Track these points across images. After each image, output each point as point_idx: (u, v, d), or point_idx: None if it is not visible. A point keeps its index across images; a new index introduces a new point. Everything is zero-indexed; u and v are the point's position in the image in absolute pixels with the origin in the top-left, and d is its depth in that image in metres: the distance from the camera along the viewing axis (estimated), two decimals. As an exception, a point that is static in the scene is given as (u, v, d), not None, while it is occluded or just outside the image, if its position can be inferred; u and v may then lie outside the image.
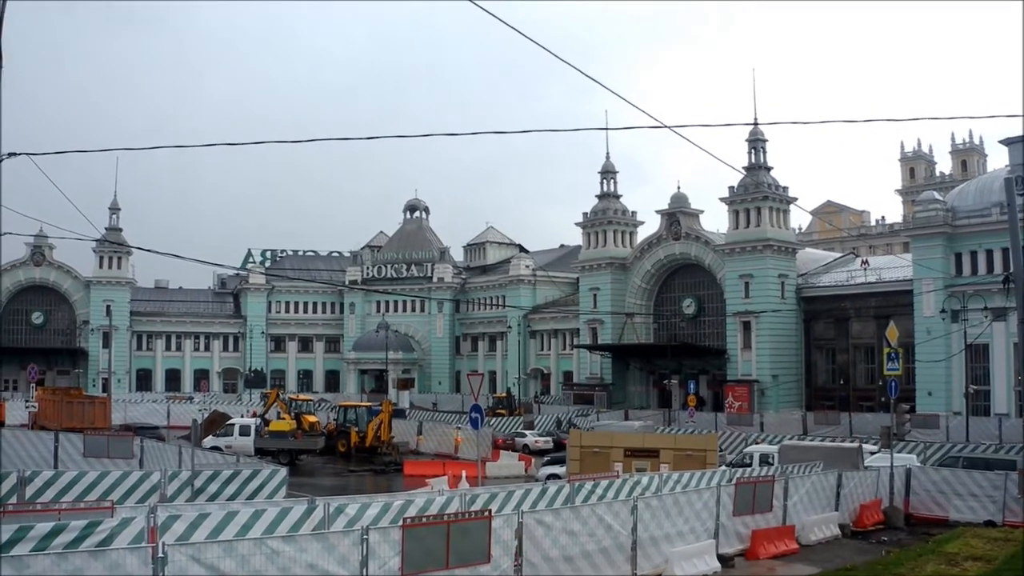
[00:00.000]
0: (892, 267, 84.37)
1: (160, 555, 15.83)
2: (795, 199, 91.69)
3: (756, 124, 78.95)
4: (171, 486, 30.63)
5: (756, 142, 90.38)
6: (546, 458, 53.60)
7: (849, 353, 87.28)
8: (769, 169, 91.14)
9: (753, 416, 76.85)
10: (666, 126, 23.39)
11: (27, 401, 72.87)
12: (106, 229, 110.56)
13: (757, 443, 53.33)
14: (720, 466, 38.56)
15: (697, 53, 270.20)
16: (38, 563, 15.36)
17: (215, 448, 52.57)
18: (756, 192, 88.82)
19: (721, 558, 26.90)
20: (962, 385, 68.44)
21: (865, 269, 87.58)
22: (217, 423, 64.67)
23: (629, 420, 71.38)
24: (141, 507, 22.67)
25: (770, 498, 29.70)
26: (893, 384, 39.76)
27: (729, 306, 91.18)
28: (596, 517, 23.41)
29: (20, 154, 20.82)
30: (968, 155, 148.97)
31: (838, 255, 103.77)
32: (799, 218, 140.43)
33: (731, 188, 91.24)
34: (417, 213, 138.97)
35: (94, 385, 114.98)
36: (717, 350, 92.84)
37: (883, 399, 65.99)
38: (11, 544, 17.06)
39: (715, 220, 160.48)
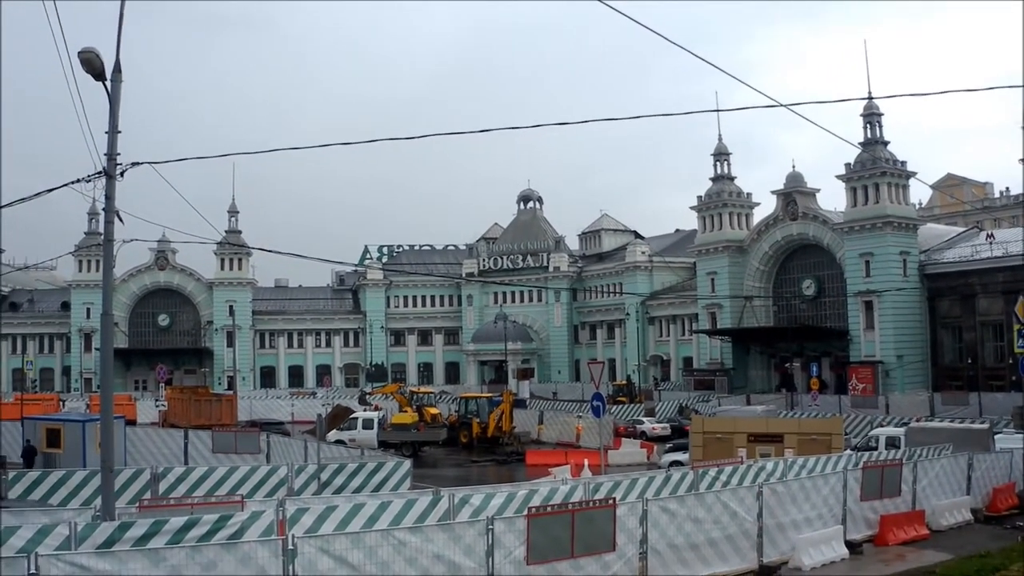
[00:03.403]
0: (1019, 240, 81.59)
1: (290, 547, 16.23)
2: (914, 173, 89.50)
3: (871, 98, 77.22)
4: (298, 480, 31.21)
5: (871, 116, 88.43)
6: (668, 445, 53.39)
7: (976, 331, 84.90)
8: (886, 143, 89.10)
9: (878, 398, 75.47)
10: (780, 104, 23.07)
11: (157, 400, 74.92)
12: (226, 232, 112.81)
13: (883, 426, 52.46)
14: (845, 450, 38.03)
15: (807, 27, 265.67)
16: (174, 556, 15.80)
17: (339, 442, 53.26)
18: (873, 168, 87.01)
19: (849, 544, 26.50)
20: (1097, 361, 66.41)
21: (991, 243, 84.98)
22: (340, 417, 65.56)
23: (751, 405, 70.78)
24: (270, 501, 23.15)
25: (898, 482, 29.16)
26: (1024, 362, 38.77)
27: (850, 286, 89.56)
28: (721, 504, 23.29)
29: (142, 163, 21.34)
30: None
31: (961, 229, 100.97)
32: (919, 193, 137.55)
33: (847, 165, 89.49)
34: (531, 203, 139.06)
35: (220, 383, 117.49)
36: (839, 331, 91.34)
37: (1014, 378, 64.41)
38: (147, 538, 17.58)
39: (832, 198, 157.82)
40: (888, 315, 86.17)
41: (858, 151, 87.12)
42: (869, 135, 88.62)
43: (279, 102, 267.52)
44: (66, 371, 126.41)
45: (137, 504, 23.17)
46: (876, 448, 40.40)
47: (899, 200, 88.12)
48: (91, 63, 19.09)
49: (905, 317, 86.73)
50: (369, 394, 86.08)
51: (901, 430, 44.23)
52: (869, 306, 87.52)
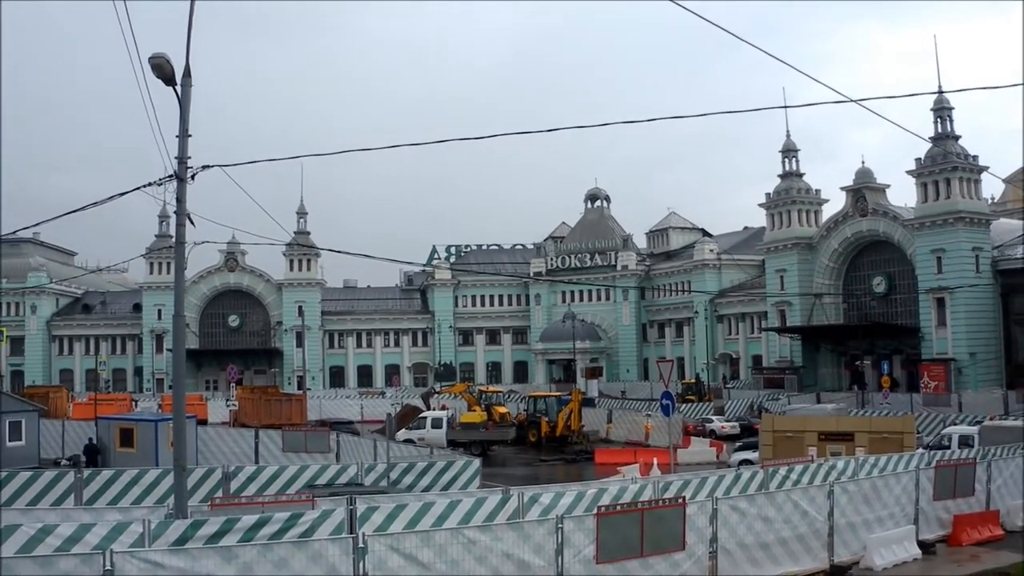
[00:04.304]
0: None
1: (360, 545, 16.37)
2: (986, 167, 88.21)
3: (941, 92, 76.04)
4: (368, 478, 31.37)
5: (942, 110, 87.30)
6: (738, 443, 53.10)
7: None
8: (957, 138, 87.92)
9: (950, 396, 74.60)
10: (849, 99, 22.79)
11: (228, 400, 75.66)
12: (295, 233, 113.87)
13: (955, 424, 51.77)
14: (917, 449, 37.58)
15: (875, 21, 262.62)
16: (246, 553, 15.99)
17: (408, 441, 53.53)
18: (944, 163, 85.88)
19: (921, 544, 26.17)
20: None
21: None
22: (409, 417, 65.84)
23: (821, 403, 70.19)
24: (340, 499, 23.29)
25: (972, 482, 28.75)
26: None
27: (921, 283, 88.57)
28: (791, 503, 23.12)
29: (213, 166, 21.57)
30: None
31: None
32: (991, 187, 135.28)
33: (918, 160, 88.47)
34: (598, 202, 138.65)
35: (289, 383, 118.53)
36: (910, 329, 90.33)
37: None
38: (220, 535, 17.79)
39: (902, 194, 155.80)
40: (960, 312, 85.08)
41: (928, 146, 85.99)
42: (940, 130, 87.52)
43: (344, 104, 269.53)
44: (138, 371, 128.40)
45: (209, 503, 23.46)
46: (949, 447, 39.89)
47: (971, 195, 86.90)
48: (161, 68, 19.33)
49: (978, 314, 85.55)
50: (438, 392, 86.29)
51: (974, 428, 43.64)
52: (941, 303, 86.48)
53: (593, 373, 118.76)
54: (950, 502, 28.04)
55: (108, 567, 14.80)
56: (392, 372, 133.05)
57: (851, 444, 38.70)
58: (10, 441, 44.69)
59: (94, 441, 46.58)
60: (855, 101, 22.84)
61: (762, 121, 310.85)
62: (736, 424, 67.69)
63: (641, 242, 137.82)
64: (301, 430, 51.49)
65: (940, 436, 45.18)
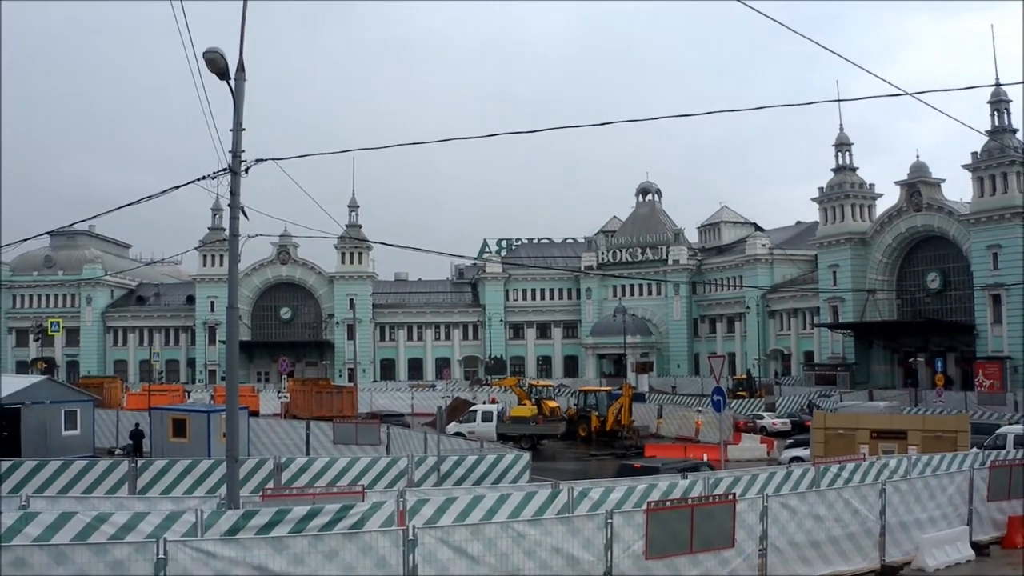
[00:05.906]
0: None
1: (410, 538, 16.48)
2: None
3: (999, 84, 75.11)
4: (418, 471, 31.52)
5: (999, 103, 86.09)
6: (789, 441, 52.81)
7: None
8: (1015, 131, 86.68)
9: (1006, 395, 73.70)
10: (905, 92, 22.53)
11: (279, 392, 76.18)
12: (346, 226, 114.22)
13: (1011, 423, 51.15)
14: (971, 448, 37.17)
15: (929, 12, 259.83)
16: (296, 544, 16.12)
17: (458, 434, 53.72)
18: (1002, 157, 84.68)
19: (975, 545, 25.85)
20: None
21: None
22: (460, 410, 66.02)
23: (874, 401, 69.60)
24: (390, 491, 23.45)
25: (1028, 482, 28.40)
26: None
27: (977, 279, 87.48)
28: (843, 501, 22.93)
29: (266, 159, 21.71)
30: None
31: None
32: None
33: (974, 154, 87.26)
34: (649, 196, 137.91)
35: (340, 375, 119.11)
36: (965, 326, 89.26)
37: None
38: (271, 526, 17.93)
39: (958, 189, 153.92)
40: (1017, 309, 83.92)
41: (985, 139, 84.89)
42: (997, 123, 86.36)
43: (395, 98, 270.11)
44: (191, 363, 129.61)
45: (260, 493, 23.64)
46: (1003, 447, 39.42)
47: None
48: (215, 63, 19.46)
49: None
50: (487, 384, 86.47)
51: (1031, 429, 43.09)
52: (997, 300, 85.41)
53: (643, 368, 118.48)
54: (1005, 503, 27.68)
55: (161, 555, 15.00)
56: (443, 365, 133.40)
57: (904, 442, 38.32)
58: (66, 430, 45.21)
59: (140, 427, 47.64)
60: (911, 94, 22.62)
61: (815, 114, 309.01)
62: (787, 421, 67.35)
63: (692, 236, 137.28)
64: (352, 422, 51.72)
65: (995, 436, 44.68)
